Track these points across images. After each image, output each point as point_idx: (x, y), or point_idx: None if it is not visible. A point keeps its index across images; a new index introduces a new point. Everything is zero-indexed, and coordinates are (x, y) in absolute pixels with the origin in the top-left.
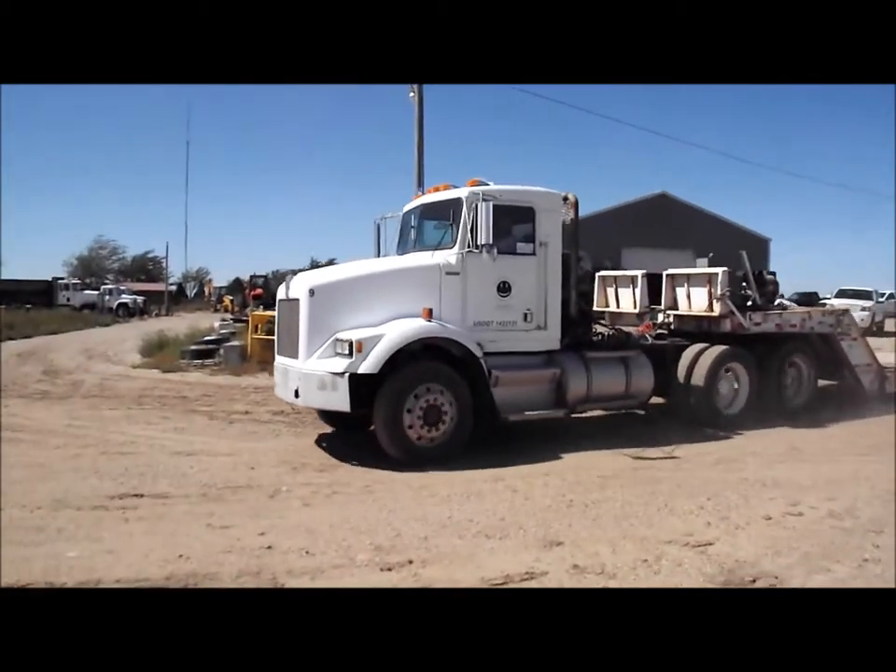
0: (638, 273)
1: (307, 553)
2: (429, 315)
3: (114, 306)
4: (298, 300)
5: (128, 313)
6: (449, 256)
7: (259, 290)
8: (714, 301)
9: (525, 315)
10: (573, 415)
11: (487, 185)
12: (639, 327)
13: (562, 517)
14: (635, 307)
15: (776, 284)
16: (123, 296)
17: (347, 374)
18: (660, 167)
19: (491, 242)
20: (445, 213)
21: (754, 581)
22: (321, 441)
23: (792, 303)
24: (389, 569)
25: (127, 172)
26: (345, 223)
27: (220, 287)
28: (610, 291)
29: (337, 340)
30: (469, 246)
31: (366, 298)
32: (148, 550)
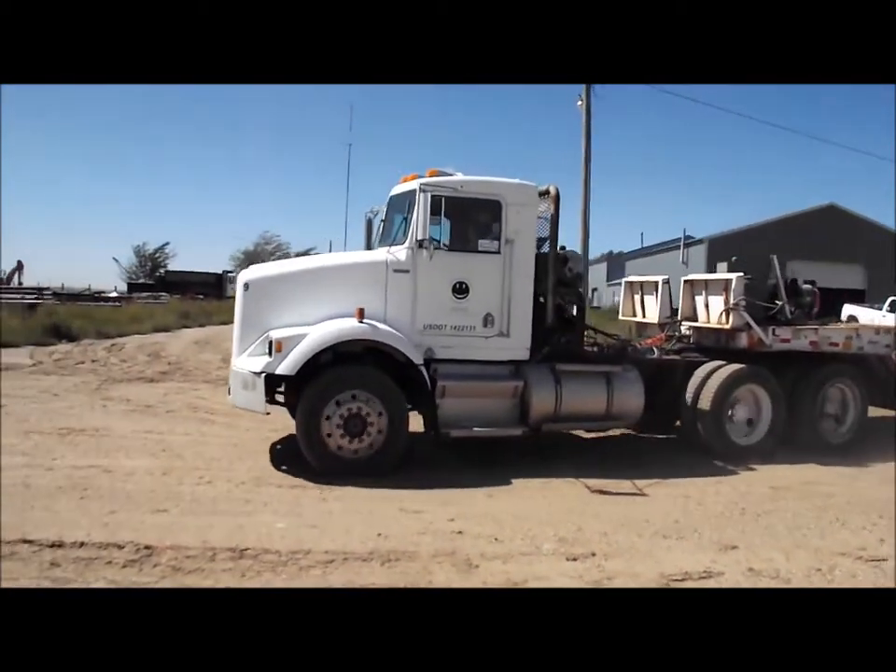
0: (660, 278)
1: (496, 539)
2: (361, 315)
3: None
4: None
5: None
6: (398, 252)
7: None
8: (727, 311)
9: (486, 319)
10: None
11: (450, 175)
12: (649, 339)
13: (735, 523)
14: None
15: (814, 294)
16: None
17: (263, 374)
18: (826, 175)
19: (427, 237)
20: (404, 206)
21: None
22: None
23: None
24: (574, 559)
25: (286, 171)
26: None
27: None
28: (637, 299)
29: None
30: (417, 244)
31: (305, 294)
32: (349, 527)
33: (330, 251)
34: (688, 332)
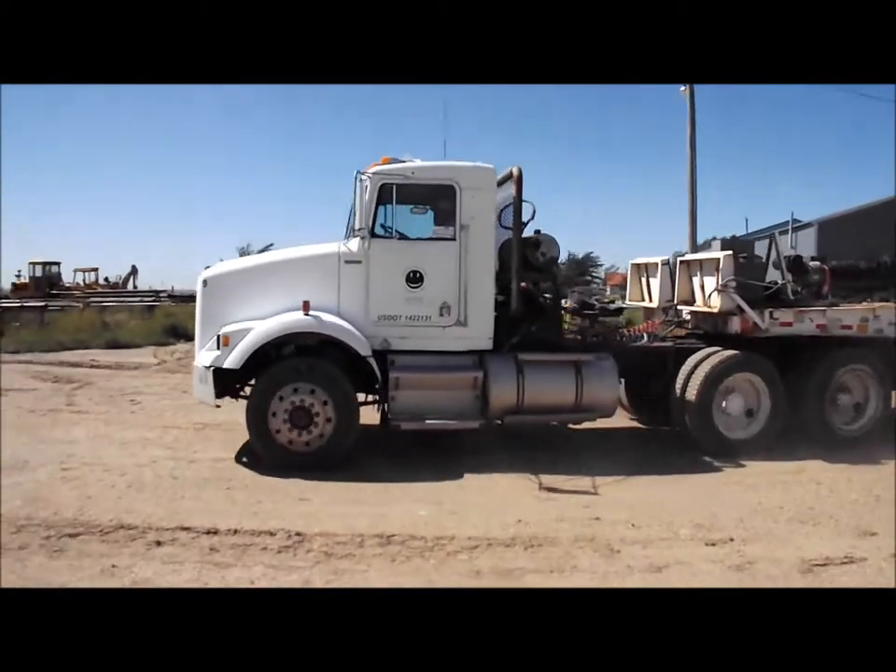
0: (659, 259)
1: (633, 525)
2: (307, 307)
3: None
4: None
5: None
6: (350, 242)
7: None
8: (714, 292)
9: (442, 308)
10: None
11: (402, 162)
12: (643, 324)
13: (871, 510)
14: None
15: (823, 272)
16: None
17: (212, 368)
18: None
19: (366, 225)
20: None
21: None
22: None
23: None
24: (713, 545)
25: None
26: None
27: None
28: (644, 283)
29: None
30: (371, 233)
31: (260, 289)
32: (488, 514)
33: None
34: (688, 317)
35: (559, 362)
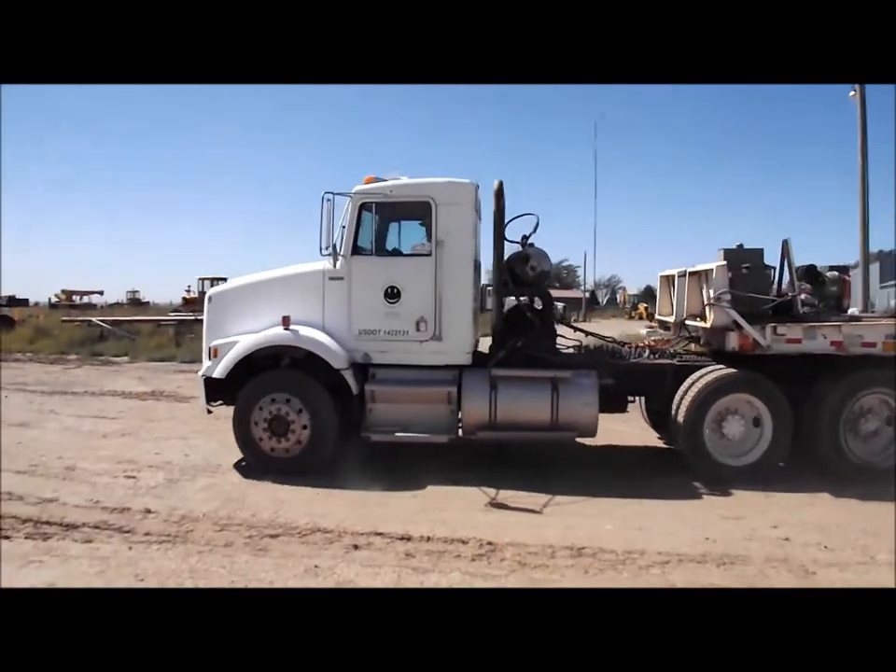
0: (675, 272)
1: (825, 547)
2: (286, 322)
3: None
4: None
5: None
6: (333, 260)
7: None
8: (707, 306)
9: (418, 323)
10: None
11: (387, 180)
12: (652, 340)
13: None
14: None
15: (843, 283)
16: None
17: (203, 378)
18: None
19: (347, 243)
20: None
21: None
22: None
23: None
24: None
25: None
26: None
27: (634, 295)
28: (671, 295)
29: None
30: (354, 250)
31: (256, 305)
32: (673, 530)
33: None
34: (696, 333)
35: (534, 378)
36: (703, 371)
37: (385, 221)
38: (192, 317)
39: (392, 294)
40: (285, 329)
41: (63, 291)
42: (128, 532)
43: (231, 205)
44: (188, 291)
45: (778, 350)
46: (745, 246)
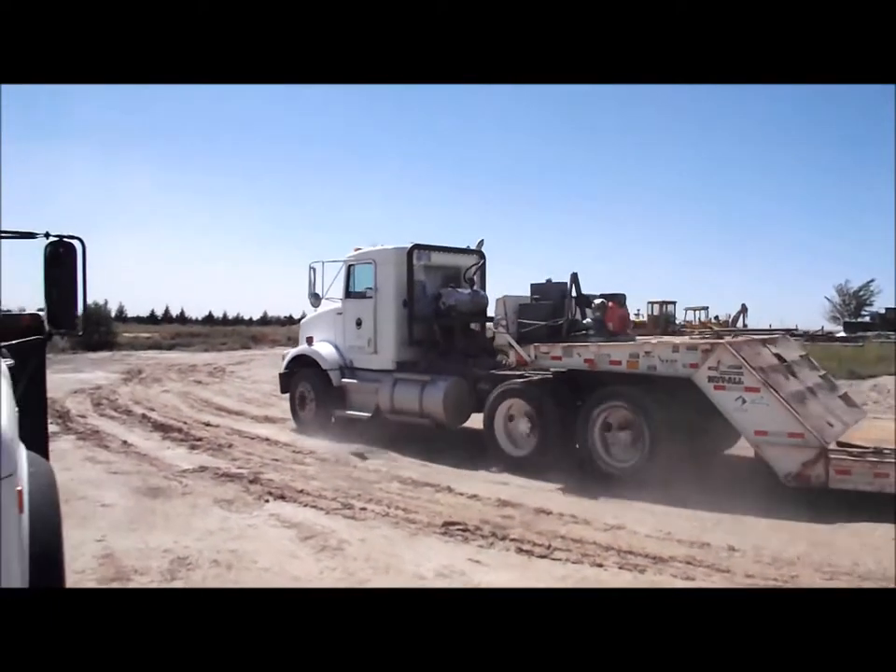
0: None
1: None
2: (309, 341)
3: None
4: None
5: None
6: (340, 302)
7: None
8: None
9: (368, 342)
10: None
11: (360, 249)
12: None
13: None
14: None
15: (604, 308)
16: None
17: (280, 372)
18: None
19: (343, 291)
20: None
21: None
22: None
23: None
24: None
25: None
26: None
27: None
28: None
29: None
30: (346, 295)
31: (313, 329)
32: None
33: None
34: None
35: (413, 380)
36: (505, 383)
37: (357, 274)
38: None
39: (358, 322)
40: (308, 345)
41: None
42: None
43: None
44: (636, 315)
45: (545, 365)
46: (552, 280)
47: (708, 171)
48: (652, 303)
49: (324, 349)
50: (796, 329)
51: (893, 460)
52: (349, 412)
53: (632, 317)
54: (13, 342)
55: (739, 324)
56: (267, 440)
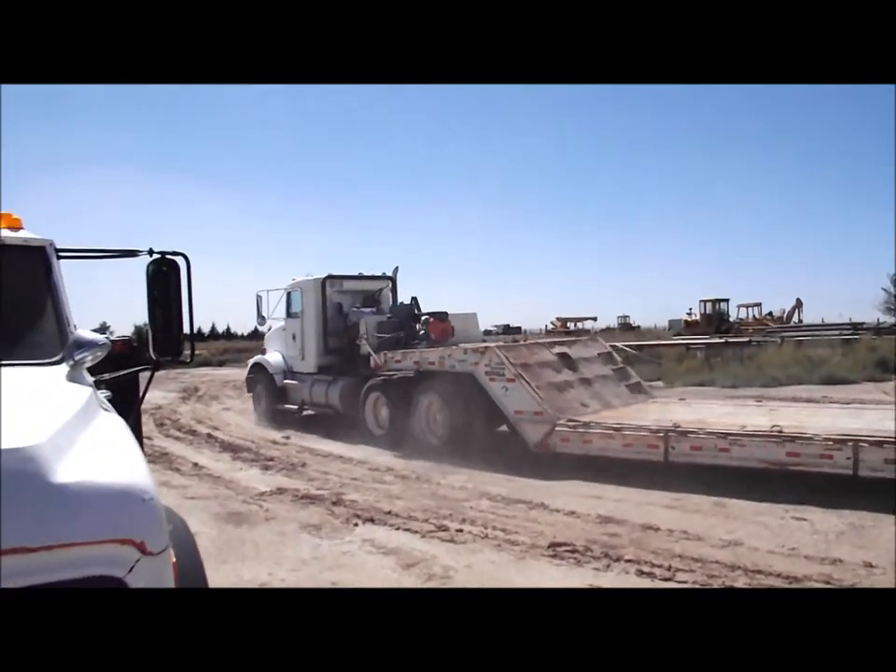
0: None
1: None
2: (263, 351)
3: None
4: None
5: None
6: (285, 320)
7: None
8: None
9: (300, 351)
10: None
11: (295, 279)
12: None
13: None
14: None
15: (428, 323)
16: None
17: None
18: None
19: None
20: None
21: None
22: None
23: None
24: None
25: None
26: None
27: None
28: None
29: None
30: (288, 315)
31: (270, 341)
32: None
33: None
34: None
35: (323, 380)
36: (371, 380)
37: (292, 299)
38: (722, 341)
39: (294, 336)
40: (261, 354)
41: (557, 318)
42: None
43: None
44: (688, 314)
45: (392, 367)
46: (417, 300)
47: (762, 164)
48: (705, 301)
49: (272, 357)
50: (861, 324)
51: (598, 430)
52: (286, 405)
53: (683, 317)
54: (118, 373)
55: (794, 319)
56: (340, 457)
